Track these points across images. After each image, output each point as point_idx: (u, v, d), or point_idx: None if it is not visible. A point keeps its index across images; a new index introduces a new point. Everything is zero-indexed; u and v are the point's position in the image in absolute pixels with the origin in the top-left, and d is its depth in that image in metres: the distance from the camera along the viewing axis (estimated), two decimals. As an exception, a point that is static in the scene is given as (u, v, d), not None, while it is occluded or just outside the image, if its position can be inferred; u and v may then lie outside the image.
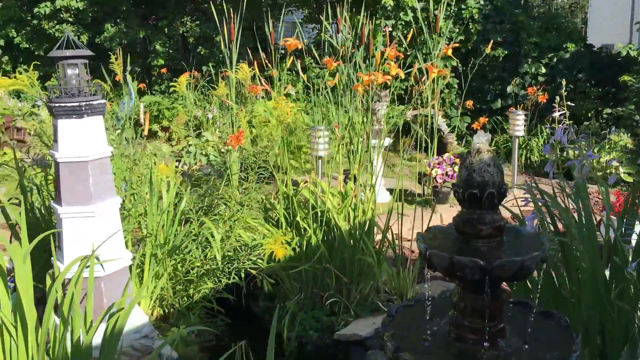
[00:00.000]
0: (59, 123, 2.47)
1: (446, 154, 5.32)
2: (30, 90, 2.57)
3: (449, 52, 3.81)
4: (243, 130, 3.24)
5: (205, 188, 3.61)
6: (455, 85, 8.81)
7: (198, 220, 3.43)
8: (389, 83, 4.03)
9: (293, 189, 3.59)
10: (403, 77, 3.57)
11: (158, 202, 3.34)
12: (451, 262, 1.48)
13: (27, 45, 11.02)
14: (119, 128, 8.44)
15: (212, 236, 3.23)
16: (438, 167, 5.23)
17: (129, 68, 8.77)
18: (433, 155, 5.65)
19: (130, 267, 3.11)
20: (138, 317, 2.70)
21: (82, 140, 2.47)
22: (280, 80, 5.13)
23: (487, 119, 8.15)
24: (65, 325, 1.98)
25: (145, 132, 6.20)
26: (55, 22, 10.68)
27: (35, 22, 10.74)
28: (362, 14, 3.83)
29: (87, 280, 2.54)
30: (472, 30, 8.82)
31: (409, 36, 4.19)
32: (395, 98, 7.79)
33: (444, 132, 7.05)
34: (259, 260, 3.56)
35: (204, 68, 10.03)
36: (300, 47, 3.25)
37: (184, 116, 8.18)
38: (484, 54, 8.70)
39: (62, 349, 1.89)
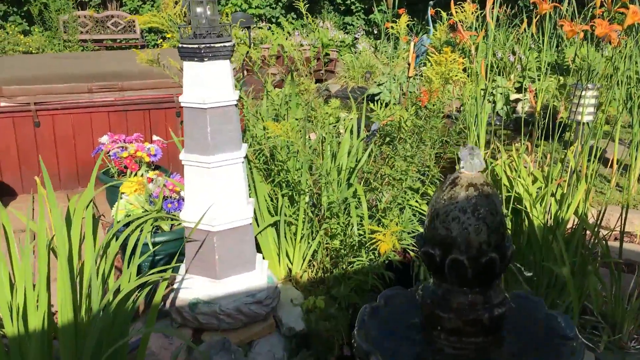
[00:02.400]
0: (184, 65, 2.36)
1: None
2: (166, 26, 2.49)
3: None
4: (435, 86, 2.65)
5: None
6: None
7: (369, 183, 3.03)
8: None
9: (490, 163, 2.91)
10: None
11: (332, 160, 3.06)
12: (367, 361, 0.88)
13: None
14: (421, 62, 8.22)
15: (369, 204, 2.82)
16: None
17: (431, 2, 8.39)
18: None
19: (277, 225, 2.95)
20: (255, 280, 2.52)
21: (202, 85, 2.31)
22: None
23: None
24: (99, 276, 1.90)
25: (410, 73, 5.88)
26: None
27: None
28: None
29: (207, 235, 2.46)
30: None
31: None
32: None
33: None
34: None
35: (520, 2, 9.00)
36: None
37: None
38: None
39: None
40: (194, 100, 2.33)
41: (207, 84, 2.32)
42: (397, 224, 2.48)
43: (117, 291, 1.97)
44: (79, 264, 2.03)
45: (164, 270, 2.18)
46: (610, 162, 4.39)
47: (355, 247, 2.88)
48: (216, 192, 2.40)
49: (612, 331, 2.60)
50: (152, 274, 1.92)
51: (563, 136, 5.39)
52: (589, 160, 2.91)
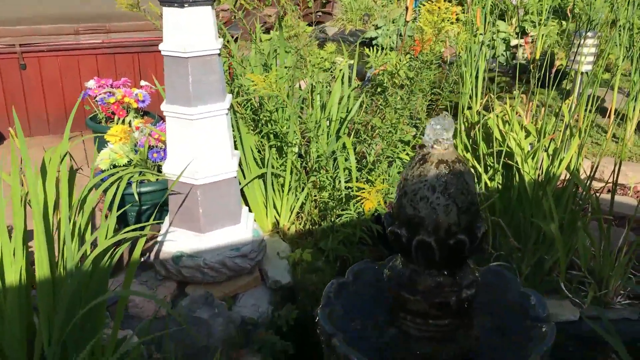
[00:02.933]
0: (163, 11, 2.25)
1: None
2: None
3: None
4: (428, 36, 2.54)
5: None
6: None
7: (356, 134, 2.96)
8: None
9: (484, 116, 2.83)
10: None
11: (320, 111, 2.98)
12: (329, 344, 0.84)
13: None
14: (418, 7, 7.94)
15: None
16: None
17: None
18: None
19: (264, 176, 2.90)
20: (240, 233, 2.49)
21: (183, 33, 2.20)
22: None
23: None
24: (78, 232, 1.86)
25: (408, 17, 5.71)
26: None
27: None
28: None
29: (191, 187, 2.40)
30: None
31: None
32: None
33: None
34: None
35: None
36: None
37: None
38: None
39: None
40: (175, 48, 2.23)
41: (188, 32, 2.22)
42: (384, 181, 2.42)
43: (97, 244, 1.93)
44: (57, 217, 1.99)
45: (144, 228, 2.13)
46: (607, 112, 4.31)
47: (343, 200, 2.84)
48: (199, 144, 2.34)
49: (598, 287, 2.58)
50: (131, 230, 1.88)
51: (561, 84, 5.28)
52: (585, 110, 2.82)
